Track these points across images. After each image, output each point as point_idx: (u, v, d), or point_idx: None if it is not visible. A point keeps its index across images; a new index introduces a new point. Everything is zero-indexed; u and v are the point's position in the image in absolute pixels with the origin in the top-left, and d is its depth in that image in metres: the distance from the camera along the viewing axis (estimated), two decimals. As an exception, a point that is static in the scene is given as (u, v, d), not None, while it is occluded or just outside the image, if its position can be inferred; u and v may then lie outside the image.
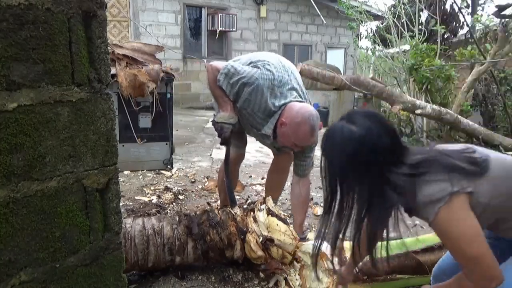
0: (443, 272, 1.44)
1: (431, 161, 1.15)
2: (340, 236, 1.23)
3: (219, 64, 2.14)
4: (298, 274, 1.98)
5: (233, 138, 2.18)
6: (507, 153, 5.60)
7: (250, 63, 2.11)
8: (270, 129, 2.06)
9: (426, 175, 1.13)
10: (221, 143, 2.19)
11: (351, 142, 1.13)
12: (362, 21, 8.35)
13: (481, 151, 1.21)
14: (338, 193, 1.19)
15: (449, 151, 1.20)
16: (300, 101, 2.06)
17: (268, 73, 2.02)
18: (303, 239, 2.24)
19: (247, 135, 2.45)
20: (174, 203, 3.08)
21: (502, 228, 1.22)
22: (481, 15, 7.77)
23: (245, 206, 2.09)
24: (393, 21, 7.44)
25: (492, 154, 1.21)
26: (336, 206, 1.21)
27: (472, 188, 1.11)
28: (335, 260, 1.79)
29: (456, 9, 9.63)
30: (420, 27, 7.39)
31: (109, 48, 2.07)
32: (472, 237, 1.10)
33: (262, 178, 3.73)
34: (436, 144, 1.28)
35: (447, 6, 10.33)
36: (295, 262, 2.10)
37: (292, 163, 2.44)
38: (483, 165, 1.14)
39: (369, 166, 1.14)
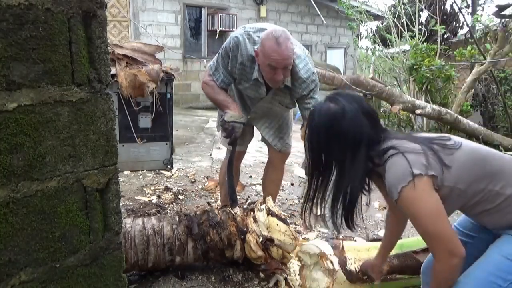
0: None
1: (402, 146, 1.23)
2: (318, 200, 1.38)
3: (205, 75, 2.21)
4: (298, 274, 1.98)
5: None
6: (507, 153, 5.61)
7: None
8: (256, 71, 2.04)
9: (394, 158, 1.20)
10: (230, 143, 2.18)
11: (327, 116, 1.27)
12: (362, 21, 8.34)
13: (456, 139, 1.28)
14: (318, 161, 1.34)
15: (422, 137, 1.28)
16: None
17: (241, 29, 2.07)
18: None
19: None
20: (174, 203, 3.08)
21: (473, 213, 1.27)
22: (481, 15, 7.77)
23: (245, 206, 2.09)
24: (393, 21, 7.44)
25: (465, 143, 1.28)
26: (317, 174, 1.35)
27: (436, 172, 1.17)
28: (335, 260, 1.80)
29: (456, 9, 9.63)
30: (420, 27, 7.39)
31: (109, 48, 2.08)
32: (435, 216, 1.17)
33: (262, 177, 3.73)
34: (413, 132, 1.34)
35: (447, 6, 10.34)
36: (295, 262, 2.10)
37: (283, 156, 2.48)
38: (451, 151, 1.22)
39: (343, 140, 1.25)
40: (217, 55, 2.16)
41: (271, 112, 2.37)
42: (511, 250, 1.17)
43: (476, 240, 1.36)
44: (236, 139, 2.14)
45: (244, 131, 2.36)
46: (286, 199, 3.37)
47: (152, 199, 3.10)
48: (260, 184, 3.64)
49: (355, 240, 2.48)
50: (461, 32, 10.38)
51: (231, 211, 2.01)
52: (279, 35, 1.88)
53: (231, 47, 2.04)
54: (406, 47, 7.27)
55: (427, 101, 6.15)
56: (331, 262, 1.78)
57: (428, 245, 1.24)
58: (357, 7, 8.30)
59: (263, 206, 1.97)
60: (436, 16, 7.21)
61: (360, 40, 9.82)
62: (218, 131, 2.60)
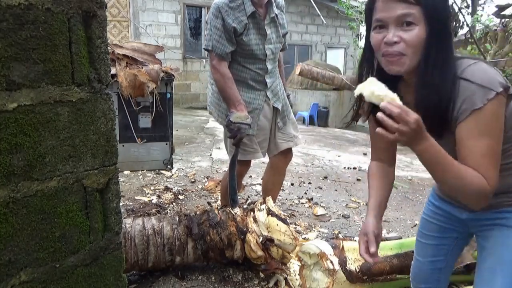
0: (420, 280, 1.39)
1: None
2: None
3: (211, 58, 2.19)
4: (298, 274, 1.98)
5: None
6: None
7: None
8: (249, 6, 2.10)
9: (478, 64, 1.00)
10: (234, 143, 2.18)
11: None
12: (362, 21, 8.35)
13: None
14: None
15: None
16: None
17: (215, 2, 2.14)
18: None
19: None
20: (174, 203, 3.09)
21: None
22: (481, 15, 7.78)
23: (245, 206, 2.09)
24: (393, 21, 7.43)
25: None
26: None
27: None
28: (335, 260, 1.80)
29: (456, 9, 9.63)
30: (420, 27, 7.38)
31: (109, 48, 2.08)
32: (501, 135, 1.00)
33: (262, 178, 3.73)
34: None
35: (447, 6, 10.33)
36: (295, 262, 2.10)
37: (286, 159, 2.46)
38: None
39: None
40: (208, 33, 2.18)
41: (276, 67, 2.39)
42: None
43: (442, 241, 1.30)
44: (241, 140, 2.13)
45: (265, 134, 2.33)
46: (286, 199, 3.37)
47: (152, 199, 3.10)
48: (260, 184, 3.64)
49: (355, 240, 2.48)
50: (461, 32, 10.37)
51: (231, 211, 2.01)
52: None
53: (219, 9, 2.09)
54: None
55: (427, 101, 6.14)
56: (331, 262, 1.78)
57: (479, 165, 0.97)
58: (357, 7, 8.31)
59: (263, 206, 1.97)
60: (436, 16, 7.20)
61: (360, 40, 9.82)
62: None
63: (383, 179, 1.28)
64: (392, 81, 1.06)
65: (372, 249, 1.14)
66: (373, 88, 0.96)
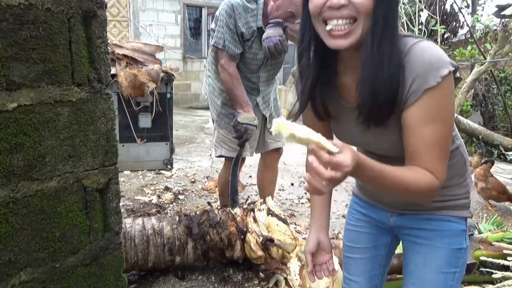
0: None
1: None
2: None
3: (220, 56, 2.15)
4: (298, 274, 1.98)
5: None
6: (507, 153, 5.63)
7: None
8: (260, 20, 2.07)
9: (423, 43, 0.89)
10: (239, 144, 2.18)
11: None
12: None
13: None
14: None
15: None
16: None
17: None
18: None
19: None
20: (174, 203, 3.09)
21: None
22: (481, 15, 7.78)
23: (245, 206, 2.09)
24: (393, 21, 7.44)
25: None
26: None
27: None
28: (335, 260, 1.80)
29: (456, 9, 9.64)
30: (420, 27, 7.40)
31: (109, 48, 2.08)
32: (453, 119, 0.94)
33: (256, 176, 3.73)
34: None
35: (447, 6, 10.35)
36: (295, 262, 2.10)
37: (276, 155, 2.47)
38: None
39: None
40: (219, 30, 2.10)
41: (272, 75, 2.35)
42: (439, 262, 1.03)
43: (377, 251, 1.18)
44: (247, 141, 2.13)
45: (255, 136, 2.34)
46: (286, 199, 3.37)
47: (152, 199, 3.10)
48: (260, 184, 3.64)
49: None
50: (461, 32, 10.39)
51: (231, 211, 2.01)
52: None
53: (233, 8, 2.04)
54: (406, 47, 7.28)
55: (427, 101, 6.13)
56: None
57: (427, 157, 0.88)
58: (357, 7, 8.31)
59: (263, 206, 1.97)
60: (436, 16, 7.21)
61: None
62: (218, 128, 2.37)
63: None
64: (328, 60, 0.94)
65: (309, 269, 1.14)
66: (293, 130, 0.79)
